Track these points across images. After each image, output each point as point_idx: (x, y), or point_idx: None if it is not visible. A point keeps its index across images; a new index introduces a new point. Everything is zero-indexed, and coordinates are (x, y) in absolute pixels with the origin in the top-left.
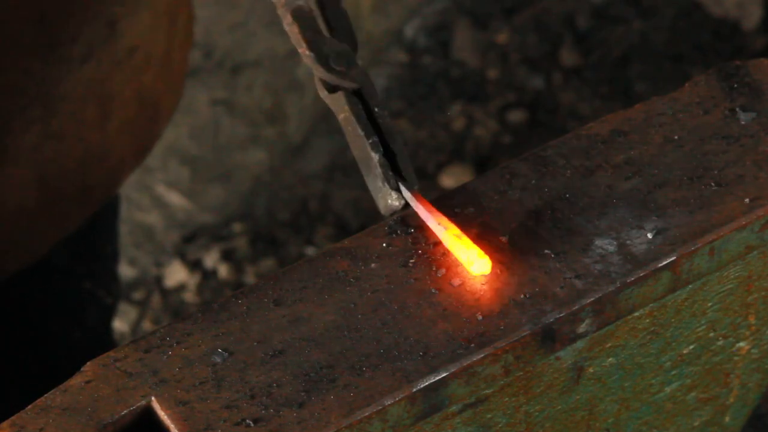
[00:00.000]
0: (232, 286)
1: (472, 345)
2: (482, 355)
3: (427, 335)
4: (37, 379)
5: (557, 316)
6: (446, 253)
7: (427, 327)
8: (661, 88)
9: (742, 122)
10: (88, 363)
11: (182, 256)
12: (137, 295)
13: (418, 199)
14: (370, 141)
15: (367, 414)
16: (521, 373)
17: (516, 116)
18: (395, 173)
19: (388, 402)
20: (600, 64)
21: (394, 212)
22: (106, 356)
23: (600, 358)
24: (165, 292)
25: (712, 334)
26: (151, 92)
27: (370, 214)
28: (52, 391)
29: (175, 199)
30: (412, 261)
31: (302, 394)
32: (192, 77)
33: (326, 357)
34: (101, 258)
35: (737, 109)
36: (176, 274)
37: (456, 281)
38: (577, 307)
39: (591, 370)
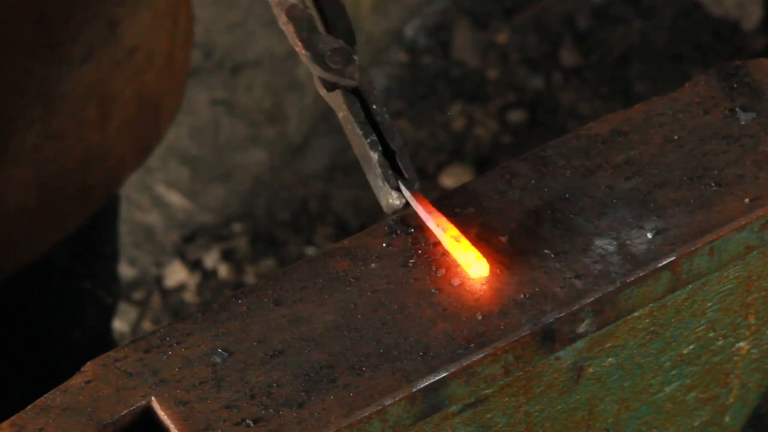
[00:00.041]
0: (232, 286)
1: (472, 345)
2: (482, 355)
3: (427, 335)
4: (37, 379)
5: (557, 316)
6: (446, 253)
7: (427, 327)
8: (661, 88)
9: (742, 122)
10: (88, 363)
11: (182, 256)
12: (137, 295)
13: (418, 199)
14: (369, 140)
15: (367, 414)
16: (521, 373)
17: (516, 116)
18: (395, 172)
19: (388, 402)
20: (600, 64)
21: (396, 210)
22: (106, 356)
23: (600, 358)
24: (165, 292)
25: (712, 334)
26: (153, 92)
27: (370, 214)
28: (52, 391)
29: (175, 199)
30: (412, 261)
31: (302, 394)
32: (192, 77)
33: (326, 357)
34: (101, 258)
35: (737, 109)
36: (176, 274)
37: (456, 281)
38: (577, 307)
39: (591, 370)
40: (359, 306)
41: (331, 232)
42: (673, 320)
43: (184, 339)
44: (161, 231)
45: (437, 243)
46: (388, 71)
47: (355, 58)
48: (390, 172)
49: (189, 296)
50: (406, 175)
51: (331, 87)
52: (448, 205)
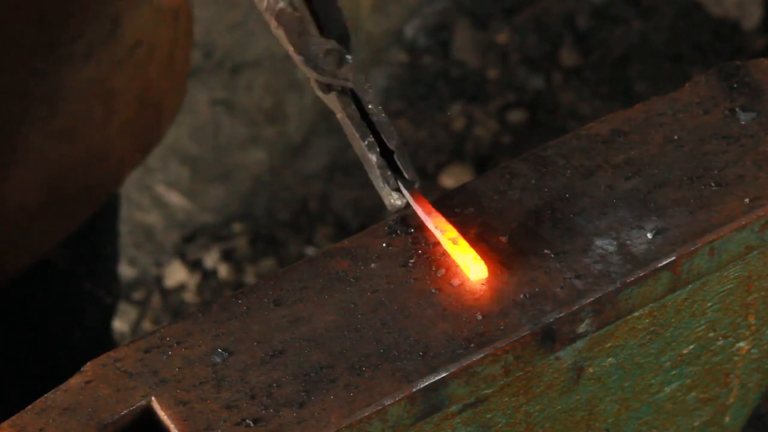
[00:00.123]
0: (232, 286)
1: (472, 345)
2: (482, 355)
3: (427, 335)
4: (37, 379)
5: (557, 316)
6: (446, 253)
7: (427, 327)
8: (661, 88)
9: (742, 122)
10: (88, 363)
11: (182, 256)
12: (137, 295)
13: (418, 199)
14: (366, 142)
15: (367, 414)
16: (521, 373)
17: (516, 116)
18: (394, 172)
19: (388, 402)
20: (600, 64)
21: (398, 210)
22: (106, 356)
23: (600, 358)
24: (165, 292)
25: (712, 334)
26: (154, 90)
27: (370, 214)
28: (52, 391)
29: (175, 199)
30: (412, 261)
31: (302, 394)
32: (192, 77)
33: (326, 357)
34: (101, 258)
35: (737, 109)
36: (176, 274)
37: (456, 281)
38: (577, 307)
39: (591, 370)
40: (359, 306)
41: (331, 232)
42: (673, 320)
43: (184, 339)
44: (161, 231)
45: (437, 243)
46: (388, 71)
47: (348, 58)
48: (389, 173)
49: (189, 296)
50: (405, 175)
51: (326, 89)
52: (448, 205)
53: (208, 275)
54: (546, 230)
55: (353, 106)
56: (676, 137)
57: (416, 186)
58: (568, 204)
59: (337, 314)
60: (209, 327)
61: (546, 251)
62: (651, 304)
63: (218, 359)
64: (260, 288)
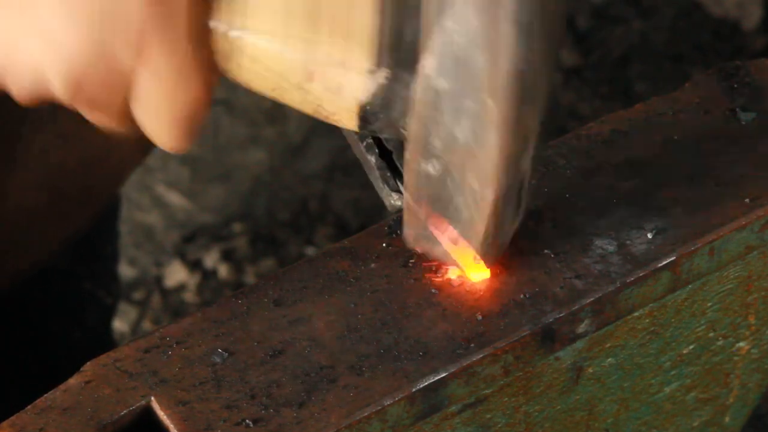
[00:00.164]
0: (232, 286)
1: (472, 345)
2: (482, 356)
3: (427, 335)
4: (37, 379)
5: (557, 316)
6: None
7: (427, 327)
8: (661, 88)
9: (742, 122)
10: (88, 363)
11: (182, 256)
12: (137, 295)
13: None
14: (364, 143)
15: (366, 414)
16: (521, 374)
17: None
18: (394, 173)
19: (388, 402)
20: (600, 64)
21: (398, 210)
22: (106, 356)
23: (599, 358)
24: (165, 292)
25: (711, 334)
26: None
27: (370, 214)
28: (52, 391)
29: (175, 199)
30: (412, 261)
31: (302, 394)
32: None
33: (326, 357)
34: (101, 258)
35: (737, 109)
36: (176, 274)
37: (456, 281)
38: (576, 307)
39: (590, 370)
40: (359, 306)
41: (331, 232)
42: (673, 320)
43: (184, 339)
44: (161, 231)
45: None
46: None
47: None
48: (388, 174)
49: (189, 296)
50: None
51: None
52: None
53: (208, 275)
54: (546, 230)
55: None
56: (676, 137)
57: None
58: (568, 204)
59: (337, 314)
60: (209, 327)
61: (546, 251)
62: (651, 304)
63: (218, 359)
64: (260, 288)
